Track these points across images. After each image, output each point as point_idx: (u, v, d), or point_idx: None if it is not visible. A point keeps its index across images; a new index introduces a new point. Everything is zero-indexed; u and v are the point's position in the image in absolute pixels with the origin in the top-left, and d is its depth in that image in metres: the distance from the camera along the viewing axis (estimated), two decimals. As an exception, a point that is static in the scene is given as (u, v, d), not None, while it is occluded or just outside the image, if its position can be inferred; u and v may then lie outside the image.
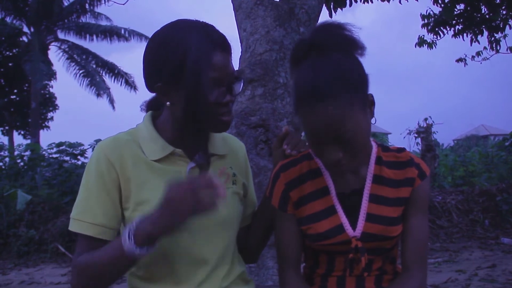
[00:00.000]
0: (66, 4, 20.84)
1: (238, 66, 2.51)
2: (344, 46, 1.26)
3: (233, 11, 2.78)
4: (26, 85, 22.41)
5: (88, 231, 1.28)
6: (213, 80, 1.25)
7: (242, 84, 1.37)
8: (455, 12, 7.21)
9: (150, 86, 1.35)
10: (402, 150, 1.44)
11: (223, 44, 1.29)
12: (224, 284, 1.39)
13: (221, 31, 1.33)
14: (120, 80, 21.79)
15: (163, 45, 1.28)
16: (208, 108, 1.26)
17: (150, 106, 1.51)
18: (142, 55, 1.35)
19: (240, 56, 2.56)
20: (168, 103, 1.31)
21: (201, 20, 1.33)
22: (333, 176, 1.39)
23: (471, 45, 7.90)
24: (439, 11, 7.55)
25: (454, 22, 7.60)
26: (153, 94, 1.48)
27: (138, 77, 21.83)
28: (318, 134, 1.22)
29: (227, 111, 1.31)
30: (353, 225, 1.35)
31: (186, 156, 1.37)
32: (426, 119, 11.49)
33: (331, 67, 1.22)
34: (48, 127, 24.02)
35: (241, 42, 2.64)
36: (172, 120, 1.36)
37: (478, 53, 9.64)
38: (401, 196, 1.37)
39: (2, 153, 11.16)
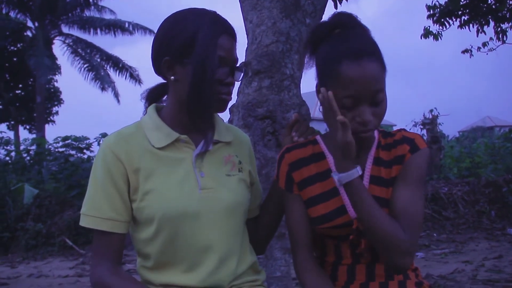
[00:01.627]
0: (70, -2, 20.86)
1: (244, 58, 2.50)
2: (363, 26, 1.37)
3: (238, 3, 2.78)
4: (31, 79, 22.46)
5: (99, 225, 1.31)
6: (219, 58, 1.32)
7: (242, 74, 1.43)
8: (461, 3, 7.16)
9: (157, 62, 1.38)
10: (398, 130, 1.45)
11: (230, 30, 1.37)
12: (237, 273, 1.40)
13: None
14: (125, 73, 21.81)
15: (175, 22, 1.35)
16: (212, 84, 1.31)
17: (151, 94, 1.52)
18: (153, 39, 1.41)
19: (247, 47, 2.55)
20: (172, 77, 1.35)
21: (209, 9, 1.41)
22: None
23: (477, 36, 7.85)
24: (445, 2, 7.49)
25: (460, 12, 7.55)
26: (155, 84, 1.52)
27: (143, 71, 21.89)
28: (363, 88, 1.26)
29: (227, 91, 1.37)
30: None
31: (192, 143, 1.39)
32: (431, 111, 11.47)
33: (363, 34, 1.34)
34: (53, 121, 24.12)
35: (247, 33, 2.64)
36: (175, 101, 1.39)
37: (484, 44, 9.53)
38: (394, 175, 1.38)
39: (8, 147, 11.22)
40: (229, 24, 1.38)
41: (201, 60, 1.29)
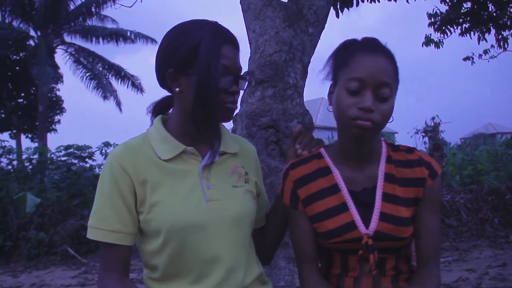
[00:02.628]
0: (72, 7, 20.93)
1: (247, 68, 2.51)
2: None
3: (240, 13, 2.79)
4: (33, 88, 22.49)
5: (106, 238, 1.32)
6: (223, 67, 1.33)
7: (247, 83, 1.44)
8: (462, 10, 7.17)
9: (161, 74, 1.39)
10: (411, 150, 1.45)
11: (232, 39, 1.39)
12: (244, 284, 1.40)
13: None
14: (127, 82, 21.83)
15: (178, 34, 1.37)
16: (216, 93, 1.32)
17: (157, 107, 1.53)
18: (156, 52, 1.42)
19: (250, 57, 2.56)
20: (177, 89, 1.36)
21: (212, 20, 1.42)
22: (342, 173, 1.41)
23: (478, 44, 7.85)
24: (446, 10, 7.52)
25: (461, 20, 7.56)
26: (160, 97, 1.53)
27: (145, 80, 21.92)
28: (370, 74, 1.30)
29: (233, 100, 1.38)
30: (366, 224, 1.35)
31: (199, 154, 1.39)
32: (433, 118, 11.44)
33: (384, 49, 1.37)
34: (55, 130, 24.10)
35: (250, 43, 2.65)
36: (181, 113, 1.40)
37: (485, 51, 9.55)
38: (412, 196, 1.38)
39: (10, 156, 11.21)
40: (231, 33, 1.39)
41: (205, 69, 1.30)
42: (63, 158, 10.86)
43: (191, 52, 1.32)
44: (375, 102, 1.29)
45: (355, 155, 1.40)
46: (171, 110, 1.51)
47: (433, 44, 8.51)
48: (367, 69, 1.30)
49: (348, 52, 1.35)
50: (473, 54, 9.76)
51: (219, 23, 1.40)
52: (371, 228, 1.34)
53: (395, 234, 1.34)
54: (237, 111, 2.41)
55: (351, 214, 1.37)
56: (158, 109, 1.52)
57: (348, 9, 5.44)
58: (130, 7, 5.31)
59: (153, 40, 20.67)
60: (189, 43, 1.33)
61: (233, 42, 1.38)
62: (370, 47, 1.34)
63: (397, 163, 1.41)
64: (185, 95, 1.35)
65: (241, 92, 1.43)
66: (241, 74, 1.41)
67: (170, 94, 1.46)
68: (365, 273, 1.39)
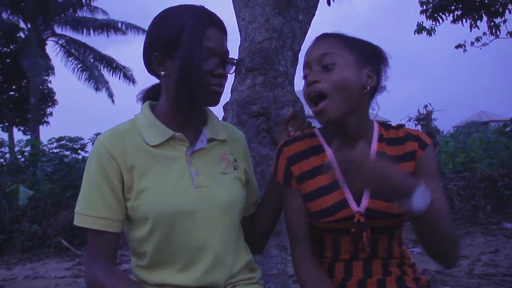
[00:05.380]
0: (62, -2, 20.76)
1: (237, 55, 2.49)
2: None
3: (230, 1, 2.77)
4: (25, 81, 22.37)
5: (93, 225, 1.30)
6: (207, 49, 1.32)
7: (234, 67, 1.42)
8: (454, -2, 7.17)
9: (148, 59, 1.38)
10: (400, 126, 1.46)
11: (218, 22, 1.37)
12: (232, 272, 1.39)
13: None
14: (119, 73, 21.72)
15: (162, 19, 1.36)
16: (200, 75, 1.30)
17: (147, 94, 1.52)
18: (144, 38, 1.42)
19: (240, 45, 2.54)
20: (163, 73, 1.35)
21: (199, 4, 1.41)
22: (335, 152, 1.40)
23: (470, 31, 7.87)
24: (438, -3, 7.52)
25: (453, 7, 7.56)
26: (150, 85, 1.52)
27: (137, 70, 21.80)
28: (310, 53, 1.38)
29: (219, 82, 1.35)
30: (357, 202, 1.35)
31: (187, 140, 1.38)
32: (426, 106, 11.47)
33: (329, 34, 1.43)
34: (47, 122, 24.00)
35: (240, 31, 2.62)
36: (168, 98, 1.38)
37: (477, 39, 9.55)
38: (406, 172, 1.37)
39: (2, 149, 11.16)
40: (217, 17, 1.38)
41: (188, 51, 1.29)
42: (55, 150, 10.85)
43: (174, 35, 1.31)
44: (322, 73, 1.34)
45: (342, 135, 1.41)
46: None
47: (425, 32, 8.50)
48: (308, 53, 1.40)
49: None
50: (465, 41, 9.77)
51: (206, 7, 1.39)
52: (362, 206, 1.35)
53: (387, 211, 1.33)
54: (226, 99, 2.41)
55: (343, 192, 1.37)
56: (148, 96, 1.51)
57: (340, -3, 5.42)
58: (120, -4, 5.26)
59: (144, 31, 20.51)
60: (173, 26, 1.32)
61: (219, 25, 1.37)
62: (315, 39, 1.42)
63: (388, 141, 1.42)
64: (170, 78, 1.34)
65: (229, 76, 1.40)
66: (229, 58, 1.39)
67: (159, 81, 1.44)
68: (356, 256, 1.38)
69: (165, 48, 1.32)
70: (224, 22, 1.40)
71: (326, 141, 1.45)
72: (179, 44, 1.31)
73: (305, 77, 1.38)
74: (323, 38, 1.40)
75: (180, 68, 1.30)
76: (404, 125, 1.47)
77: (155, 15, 1.40)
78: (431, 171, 1.39)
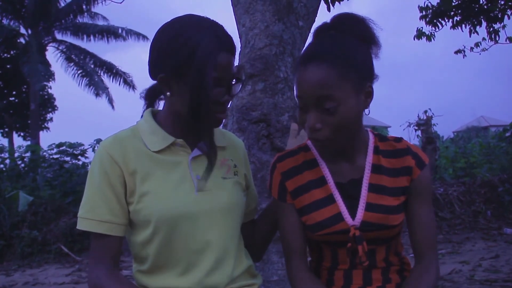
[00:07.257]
0: (63, 4, 20.79)
1: (238, 62, 2.50)
2: (360, 34, 1.31)
3: (231, 7, 2.78)
4: (25, 86, 22.38)
5: (96, 228, 1.32)
6: (216, 79, 1.29)
7: (241, 85, 1.42)
8: (453, 3, 7.18)
9: (153, 75, 1.37)
10: (399, 139, 1.44)
11: (230, 46, 1.33)
12: (233, 276, 1.40)
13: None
14: (119, 79, 21.74)
15: (173, 38, 1.30)
16: (209, 107, 1.30)
17: (150, 93, 1.53)
18: (150, 43, 1.38)
19: (240, 51, 2.55)
20: (168, 93, 1.34)
21: (211, 19, 1.36)
22: (329, 165, 1.41)
23: (470, 36, 7.86)
24: (437, 3, 7.52)
25: (452, 13, 7.57)
26: (154, 82, 1.49)
27: (137, 77, 21.81)
28: (305, 92, 1.26)
29: (223, 109, 1.36)
30: (352, 215, 1.35)
31: (188, 146, 1.39)
32: (426, 112, 11.48)
33: (338, 41, 1.28)
34: (47, 128, 24.01)
35: (240, 37, 2.63)
36: (171, 112, 1.39)
37: (477, 44, 9.58)
38: (400, 185, 1.37)
39: (2, 155, 11.16)
40: (229, 37, 1.33)
41: (197, 82, 1.26)
42: (55, 156, 10.84)
43: (184, 60, 1.27)
44: (322, 116, 1.25)
45: (336, 153, 1.40)
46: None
47: (425, 37, 8.52)
48: (302, 86, 1.26)
49: (296, 67, 1.31)
50: (464, 47, 9.80)
51: (218, 24, 1.34)
52: (357, 219, 1.34)
53: (383, 222, 1.33)
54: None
55: (338, 206, 1.36)
56: (152, 94, 1.52)
57: (340, 3, 5.43)
58: (121, 3, 5.28)
59: (144, 37, 20.58)
60: (183, 50, 1.27)
61: (230, 49, 1.32)
62: (306, 57, 1.27)
63: (385, 153, 1.40)
64: (175, 99, 1.34)
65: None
66: (236, 77, 1.37)
67: None
68: (355, 266, 1.38)
69: (173, 70, 1.30)
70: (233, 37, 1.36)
71: (320, 154, 1.44)
72: (188, 69, 1.27)
73: (302, 109, 1.30)
74: (315, 63, 1.24)
75: (189, 97, 1.28)
76: (402, 138, 1.45)
77: (164, 26, 1.35)
78: (427, 192, 1.39)
